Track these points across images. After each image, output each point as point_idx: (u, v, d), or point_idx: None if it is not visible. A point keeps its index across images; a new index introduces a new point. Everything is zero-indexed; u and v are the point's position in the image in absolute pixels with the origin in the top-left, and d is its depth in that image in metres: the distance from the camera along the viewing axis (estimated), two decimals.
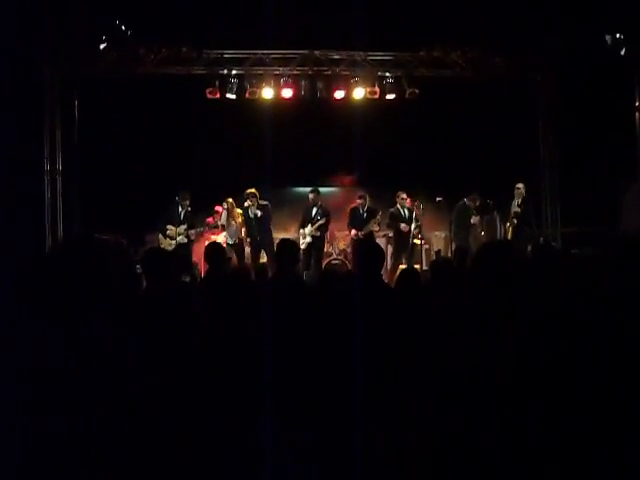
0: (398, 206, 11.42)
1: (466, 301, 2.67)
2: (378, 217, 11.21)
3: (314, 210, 11.19)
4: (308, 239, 11.00)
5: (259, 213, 10.79)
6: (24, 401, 1.92)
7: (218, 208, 11.53)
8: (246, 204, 10.82)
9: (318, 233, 11.08)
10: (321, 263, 11.14)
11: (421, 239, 11.43)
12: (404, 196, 11.38)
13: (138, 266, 10.21)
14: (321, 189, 11.70)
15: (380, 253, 4.40)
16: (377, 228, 11.26)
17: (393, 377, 2.69)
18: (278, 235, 10.79)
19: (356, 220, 11.22)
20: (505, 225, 11.20)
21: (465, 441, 2.25)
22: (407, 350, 2.78)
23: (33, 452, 1.87)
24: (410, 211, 11.36)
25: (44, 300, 2.04)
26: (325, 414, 2.79)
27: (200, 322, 3.16)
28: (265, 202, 10.93)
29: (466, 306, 2.60)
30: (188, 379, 2.57)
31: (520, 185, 11.09)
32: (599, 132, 10.66)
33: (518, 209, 10.98)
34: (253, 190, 10.84)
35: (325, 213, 11.18)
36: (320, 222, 11.07)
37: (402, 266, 10.77)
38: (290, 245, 5.32)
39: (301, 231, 11.16)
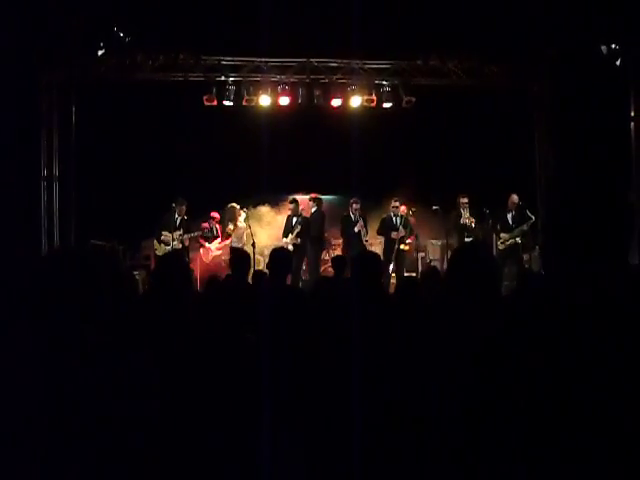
0: (390, 214, 11.50)
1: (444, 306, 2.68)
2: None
3: (294, 220, 11.30)
4: (290, 247, 11.01)
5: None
6: (20, 411, 1.92)
7: (214, 214, 11.56)
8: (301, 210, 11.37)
9: (298, 240, 11.13)
10: (300, 270, 11.18)
11: (408, 244, 11.46)
12: (396, 204, 11.43)
13: (136, 272, 10.25)
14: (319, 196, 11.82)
15: (378, 261, 4.44)
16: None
17: (391, 381, 2.69)
18: (278, 242, 10.90)
19: (350, 227, 11.26)
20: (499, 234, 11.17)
21: (461, 444, 2.26)
22: (404, 355, 2.79)
23: (31, 464, 1.87)
24: (402, 218, 11.41)
25: (38, 306, 2.05)
26: (324, 420, 2.79)
27: (198, 329, 3.17)
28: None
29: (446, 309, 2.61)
30: (186, 384, 2.57)
31: (515, 196, 11.05)
32: (595, 141, 10.69)
33: (525, 227, 10.92)
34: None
35: (304, 222, 11.29)
36: (297, 229, 11.19)
37: (392, 274, 10.92)
38: (282, 254, 5.33)
39: (284, 240, 11.26)
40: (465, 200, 11.19)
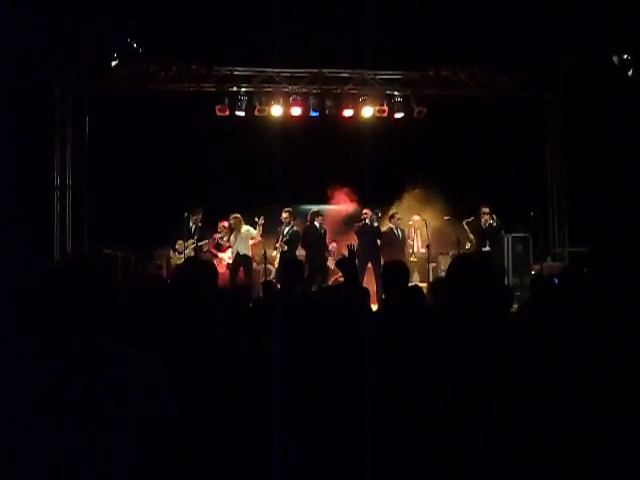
0: (392, 226, 11.31)
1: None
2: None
3: (286, 229, 11.02)
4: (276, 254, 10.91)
5: (323, 231, 11.07)
6: (23, 418, 1.93)
7: (224, 224, 11.58)
8: (316, 223, 11.02)
9: (285, 248, 10.84)
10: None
11: (417, 256, 11.43)
12: (399, 216, 11.36)
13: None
14: (327, 207, 11.83)
15: (406, 272, 4.48)
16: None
17: (402, 393, 2.70)
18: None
19: (361, 234, 11.20)
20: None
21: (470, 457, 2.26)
22: (419, 366, 2.79)
23: (34, 464, 1.89)
24: (403, 231, 11.35)
25: (48, 315, 2.06)
26: (335, 430, 2.80)
27: (209, 338, 3.18)
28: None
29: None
30: (197, 395, 2.59)
31: (485, 209, 11.08)
32: (606, 151, 10.67)
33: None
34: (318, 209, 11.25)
35: (294, 234, 11.02)
36: (286, 238, 10.95)
37: None
38: (294, 263, 5.35)
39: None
40: (487, 210, 11.12)
